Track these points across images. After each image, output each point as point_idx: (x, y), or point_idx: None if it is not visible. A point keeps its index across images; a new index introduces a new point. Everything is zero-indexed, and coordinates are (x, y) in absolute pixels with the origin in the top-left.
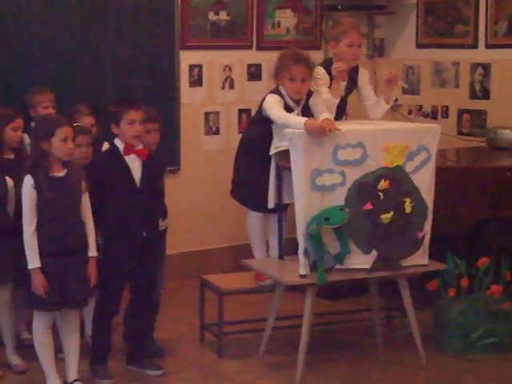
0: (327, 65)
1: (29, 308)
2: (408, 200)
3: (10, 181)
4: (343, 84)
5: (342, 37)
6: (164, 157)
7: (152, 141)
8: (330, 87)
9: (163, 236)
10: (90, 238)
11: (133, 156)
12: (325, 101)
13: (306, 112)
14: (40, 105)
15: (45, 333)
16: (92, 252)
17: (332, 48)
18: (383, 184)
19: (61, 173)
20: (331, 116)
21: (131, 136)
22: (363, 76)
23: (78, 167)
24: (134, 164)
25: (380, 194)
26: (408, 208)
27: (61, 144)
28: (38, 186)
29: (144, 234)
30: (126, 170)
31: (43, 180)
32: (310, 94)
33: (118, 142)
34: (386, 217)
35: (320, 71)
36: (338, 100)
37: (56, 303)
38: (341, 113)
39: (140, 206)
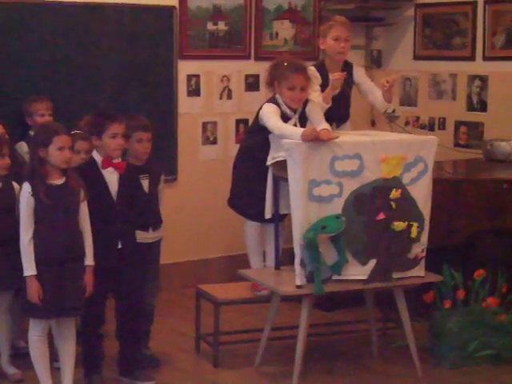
0: (319, 65)
1: (24, 316)
2: (416, 224)
3: (17, 186)
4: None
5: (328, 31)
6: (158, 166)
7: (143, 150)
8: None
9: (157, 246)
10: (87, 247)
11: (110, 169)
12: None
13: (303, 120)
14: (36, 113)
15: (40, 341)
16: (89, 261)
17: (321, 44)
18: (395, 193)
19: (59, 181)
20: (329, 126)
21: (112, 149)
22: (358, 72)
23: (76, 176)
24: (112, 177)
25: (392, 203)
26: (414, 233)
27: (57, 152)
28: (35, 194)
29: (119, 247)
30: (103, 183)
31: (41, 187)
32: (306, 101)
33: (96, 155)
34: (399, 225)
35: (311, 70)
36: (328, 106)
37: (51, 311)
38: (344, 114)
39: (116, 220)
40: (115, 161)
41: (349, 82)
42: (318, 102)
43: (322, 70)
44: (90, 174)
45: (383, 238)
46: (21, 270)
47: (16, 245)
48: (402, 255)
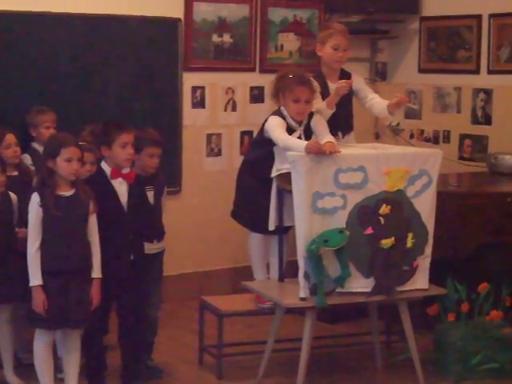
0: (316, 74)
1: (29, 325)
2: (410, 235)
3: (13, 196)
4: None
5: (327, 39)
6: (163, 177)
7: (153, 165)
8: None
9: (160, 257)
10: (94, 259)
11: (119, 180)
12: (318, 110)
13: (308, 132)
14: (42, 125)
15: (45, 351)
16: (96, 273)
17: (318, 51)
18: (384, 209)
19: (68, 192)
20: (334, 139)
21: (123, 159)
22: (357, 79)
23: (86, 188)
24: (121, 188)
25: (381, 218)
26: (409, 243)
27: (65, 164)
28: (44, 204)
29: (131, 258)
30: (113, 194)
31: (49, 198)
32: (311, 114)
33: (104, 166)
34: (387, 242)
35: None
36: (331, 111)
37: (56, 322)
38: (347, 124)
39: (127, 230)
40: (124, 171)
41: (349, 91)
42: (320, 107)
43: (320, 79)
44: (99, 184)
45: (376, 255)
46: (21, 281)
47: (15, 257)
48: (397, 269)
